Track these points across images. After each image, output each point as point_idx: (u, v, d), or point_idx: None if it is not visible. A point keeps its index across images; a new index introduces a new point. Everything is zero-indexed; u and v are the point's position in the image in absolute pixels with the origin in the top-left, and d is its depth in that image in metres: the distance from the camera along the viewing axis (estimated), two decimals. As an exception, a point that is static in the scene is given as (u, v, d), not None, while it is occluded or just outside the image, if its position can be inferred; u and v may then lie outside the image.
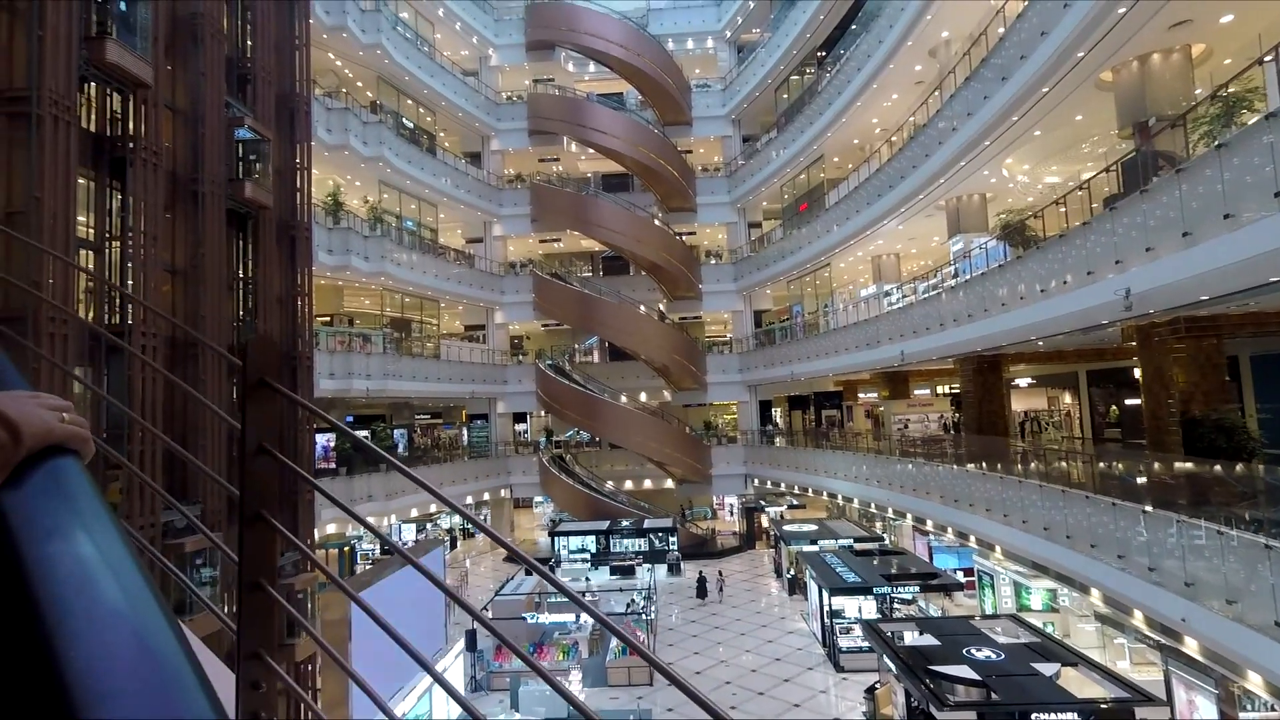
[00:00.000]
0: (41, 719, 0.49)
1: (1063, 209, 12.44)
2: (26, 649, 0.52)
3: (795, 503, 30.36)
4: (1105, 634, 13.88)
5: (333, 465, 22.74)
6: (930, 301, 16.68)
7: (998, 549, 14.61)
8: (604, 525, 26.27)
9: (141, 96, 12.73)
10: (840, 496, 24.01)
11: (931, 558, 20.61)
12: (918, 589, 16.50)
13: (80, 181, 11.69)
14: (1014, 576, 16.38)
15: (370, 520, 23.97)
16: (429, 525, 30.79)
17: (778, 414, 34.16)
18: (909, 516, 19.32)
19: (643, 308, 30.28)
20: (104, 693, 0.50)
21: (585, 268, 36.54)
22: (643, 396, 32.24)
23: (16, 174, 10.59)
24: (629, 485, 31.82)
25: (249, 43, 16.51)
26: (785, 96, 28.72)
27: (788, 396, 32.71)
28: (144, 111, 12.63)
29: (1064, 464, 14.57)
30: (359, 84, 26.16)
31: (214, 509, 14.41)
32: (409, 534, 29.60)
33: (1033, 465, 16.21)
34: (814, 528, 23.38)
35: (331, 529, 21.82)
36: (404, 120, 27.43)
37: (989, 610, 17.04)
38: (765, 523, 29.85)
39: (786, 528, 23.88)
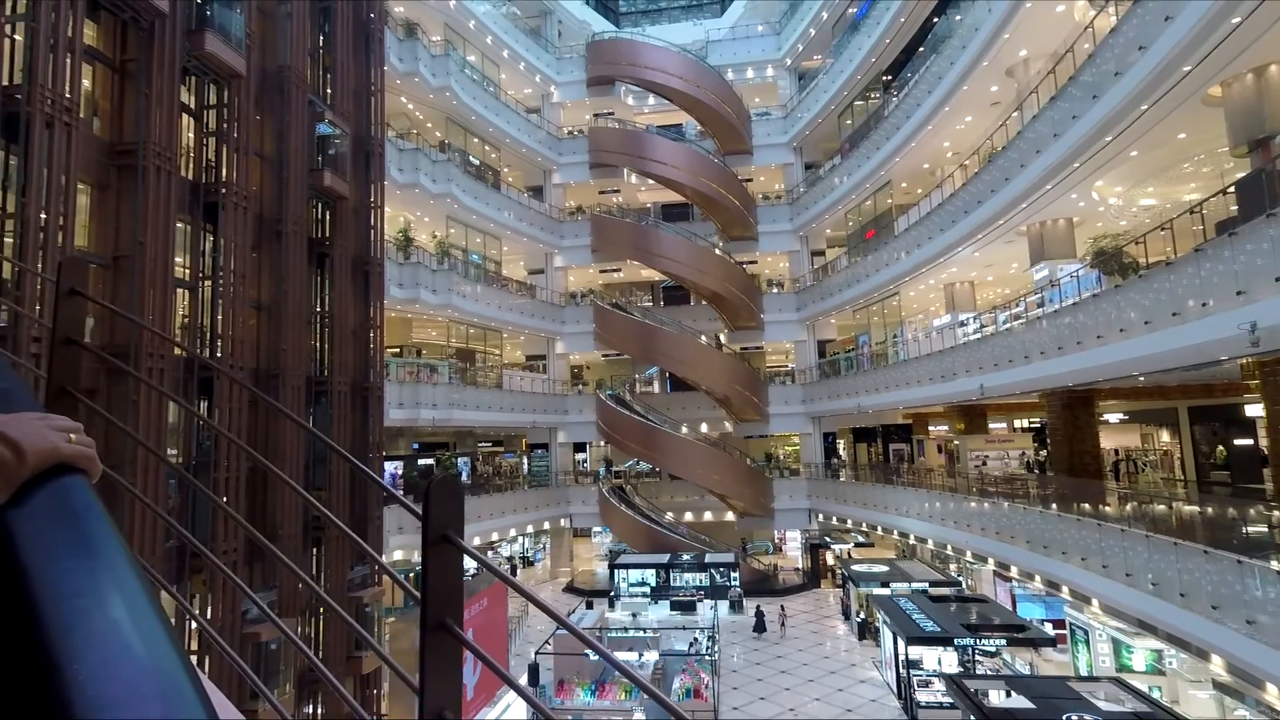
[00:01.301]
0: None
1: (1163, 233, 11.62)
2: (30, 664, 0.53)
3: (862, 540, 29.16)
4: (1224, 705, 12.53)
5: (401, 492, 23.11)
6: (1013, 332, 15.81)
7: (1095, 603, 13.49)
8: (664, 558, 25.75)
9: (234, 145, 13.43)
10: (912, 536, 22.89)
11: (1015, 606, 19.28)
12: (1004, 642, 15.37)
13: (179, 225, 12.34)
14: (1113, 633, 15.08)
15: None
16: (490, 553, 30.91)
17: (841, 446, 33.09)
18: (990, 561, 18.18)
19: (703, 338, 29.99)
20: (106, 708, 0.51)
21: (645, 297, 36.58)
22: (703, 427, 31.78)
23: (124, 220, 11.23)
24: (689, 517, 31.25)
25: (329, 90, 17.32)
26: (849, 122, 28.27)
27: (852, 428, 31.67)
28: (235, 159, 13.31)
29: (1170, 510, 13.39)
30: (428, 124, 27.12)
31: (291, 534, 14.79)
32: (469, 562, 29.70)
33: (1128, 508, 15.04)
34: (885, 568, 22.28)
35: (399, 555, 22.07)
36: (470, 158, 28.23)
37: (1083, 669, 15.73)
38: (830, 560, 28.75)
39: (855, 567, 22.84)
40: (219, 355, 13.10)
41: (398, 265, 21.98)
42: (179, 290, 12.65)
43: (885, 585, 20.57)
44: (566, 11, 34.37)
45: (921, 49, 22.35)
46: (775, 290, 32.73)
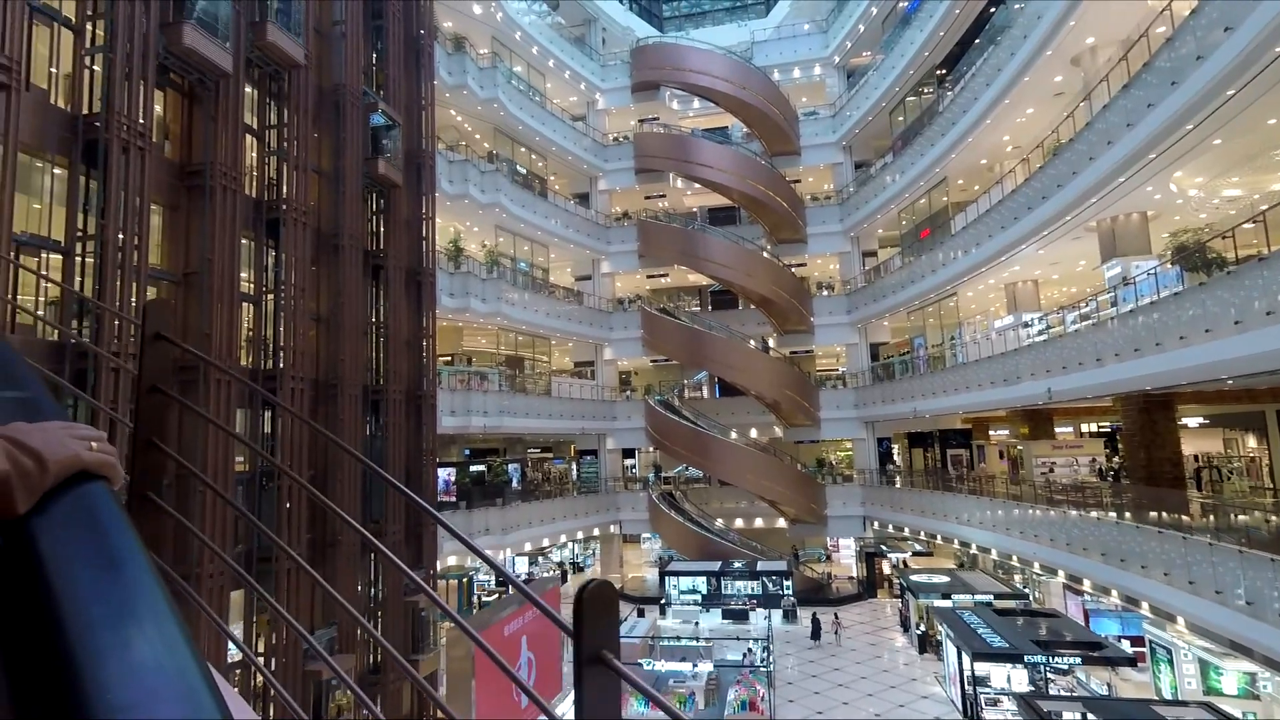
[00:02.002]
0: None
1: (1253, 225, 10.86)
2: (53, 669, 0.54)
3: (920, 549, 28.26)
4: (1329, 730, 11.61)
5: (453, 498, 23.47)
6: (1083, 334, 15.04)
7: (1180, 620, 12.68)
8: (715, 566, 25.44)
9: (294, 163, 13.82)
10: (974, 546, 22.04)
11: (1088, 622, 18.35)
12: (1078, 660, 14.59)
13: (243, 242, 12.76)
14: (1200, 653, 14.16)
15: (487, 553, 24.44)
16: (541, 559, 31.13)
17: (896, 452, 32.17)
18: (1061, 574, 17.33)
19: (752, 342, 29.60)
20: (129, 710, 0.52)
21: (693, 302, 36.36)
22: (753, 433, 31.35)
23: (194, 238, 11.66)
24: (739, 524, 30.85)
25: (381, 106, 17.70)
26: (901, 119, 27.54)
27: (907, 433, 30.76)
28: (294, 176, 13.69)
29: (1266, 523, 12.50)
30: (476, 135, 27.54)
31: (350, 541, 15.12)
32: (522, 566, 30.03)
33: (1213, 519, 14.12)
34: (946, 579, 21.50)
35: (452, 560, 22.37)
36: (518, 167, 28.55)
37: (1166, 690, 14.80)
38: (887, 569, 27.95)
39: (914, 577, 22.11)
40: (281, 367, 13.50)
41: (448, 275, 22.33)
42: (244, 304, 13.11)
43: (947, 597, 19.85)
44: (610, 19, 34.52)
45: (978, 41, 21.61)
46: (825, 293, 32.10)
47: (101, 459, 0.76)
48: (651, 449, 31.57)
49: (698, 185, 31.93)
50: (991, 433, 28.83)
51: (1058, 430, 24.20)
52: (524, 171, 29.04)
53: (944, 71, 24.56)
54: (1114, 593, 14.88)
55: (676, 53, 31.64)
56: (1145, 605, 13.82)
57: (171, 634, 0.61)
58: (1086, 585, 16.21)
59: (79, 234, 10.05)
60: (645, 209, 34.15)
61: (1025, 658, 14.28)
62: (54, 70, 10.30)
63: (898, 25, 26.56)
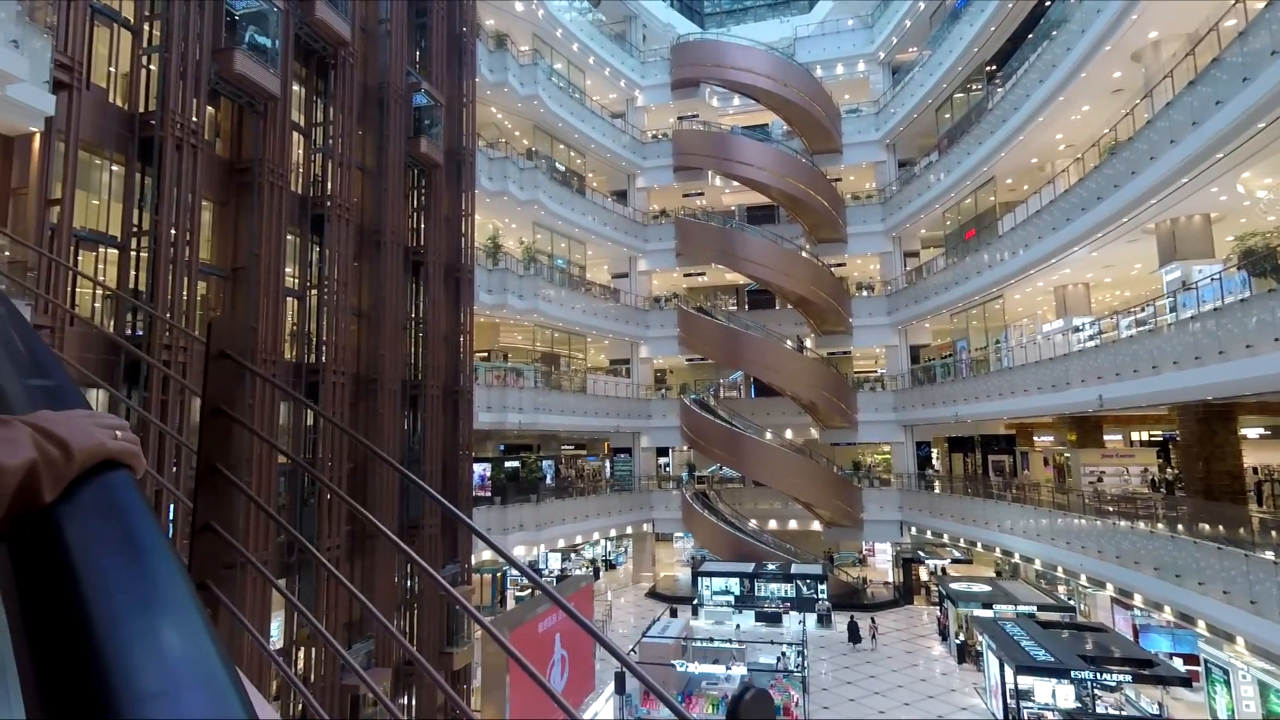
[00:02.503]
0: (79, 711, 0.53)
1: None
2: (78, 655, 0.55)
3: (959, 556, 27.58)
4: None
5: (489, 494, 23.69)
6: (1140, 340, 14.43)
7: (1240, 641, 12.10)
8: (749, 568, 25.21)
9: (338, 160, 14.03)
10: (1017, 555, 21.41)
11: (1137, 637, 17.68)
12: (1128, 678, 14.03)
13: (288, 238, 13.01)
14: (1260, 675, 13.49)
15: (520, 550, 24.63)
16: (573, 555, 31.26)
17: (934, 456, 31.45)
18: (1110, 587, 16.71)
19: (789, 342, 29.23)
20: (155, 698, 0.53)
21: (730, 301, 36.07)
22: (788, 434, 30.98)
23: (242, 234, 11.92)
24: (773, 525, 30.54)
25: (424, 86, 17.87)
26: (948, 116, 26.84)
27: (947, 438, 30.03)
28: (339, 173, 13.91)
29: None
30: (516, 132, 27.70)
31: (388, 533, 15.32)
32: (555, 562, 30.20)
33: (1275, 536, 13.43)
34: (987, 589, 20.92)
35: (487, 555, 22.59)
36: (556, 164, 28.64)
37: (1222, 713, 14.14)
38: (924, 576, 27.36)
39: (954, 585, 21.56)
40: (323, 361, 13.74)
41: (486, 271, 22.51)
42: (288, 299, 13.37)
43: (988, 606, 19.30)
44: (651, 15, 34.38)
45: (1031, 36, 20.89)
46: (865, 294, 31.51)
47: (125, 448, 0.77)
48: (686, 448, 31.43)
49: (736, 183, 31.63)
50: (1036, 438, 27.95)
51: (1107, 438, 23.32)
52: (562, 168, 29.13)
53: (994, 68, 23.84)
54: (1167, 609, 14.29)
55: (718, 49, 31.37)
56: (1202, 624, 13.23)
57: (195, 623, 0.62)
58: (1137, 600, 15.60)
59: (134, 229, 10.36)
60: (683, 207, 33.97)
61: (1072, 673, 13.79)
62: (112, 69, 10.63)
63: (946, 20, 25.87)
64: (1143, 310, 15.54)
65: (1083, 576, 17.65)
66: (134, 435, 0.80)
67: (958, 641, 20.03)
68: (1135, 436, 28.50)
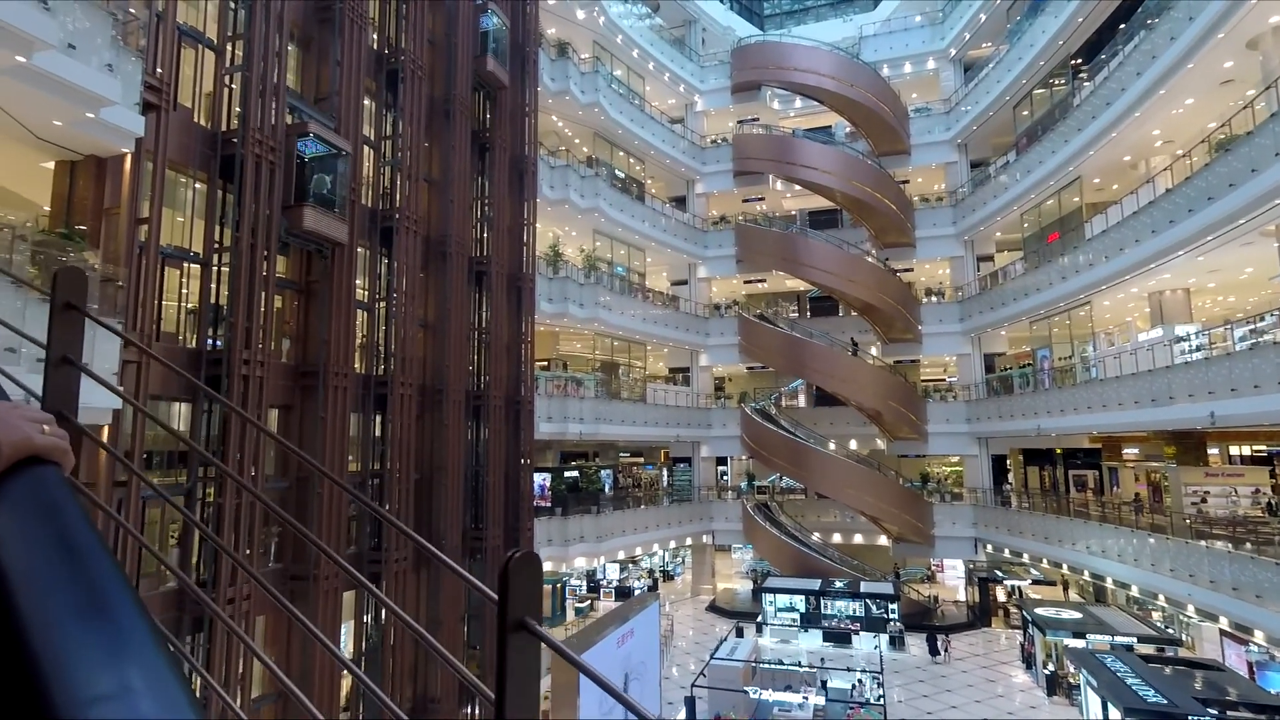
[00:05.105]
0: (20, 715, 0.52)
1: None
2: (15, 659, 0.54)
3: (1039, 577, 26.05)
4: None
5: (549, 504, 23.54)
6: (1262, 351, 13.18)
7: (1392, 690, 10.79)
8: (815, 584, 24.36)
9: (407, 173, 14.04)
10: (1110, 580, 19.97)
11: (1253, 674, 16.16)
12: (1255, 725, 12.74)
13: (358, 250, 13.06)
14: None
15: (580, 561, 24.42)
16: (631, 565, 30.90)
17: (1008, 468, 29.86)
18: (1223, 620, 15.33)
19: (852, 350, 28.25)
20: (98, 702, 0.51)
21: (791, 308, 35.21)
22: (852, 444, 29.95)
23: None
24: (837, 538, 29.55)
25: (487, 116, 17.89)
26: (1027, 114, 25.49)
27: (1022, 450, 28.47)
28: (407, 186, 13.91)
29: None
30: (576, 140, 27.63)
31: (453, 544, 15.29)
32: (613, 573, 29.91)
33: None
34: (1078, 615, 19.57)
35: (547, 566, 22.45)
36: (616, 171, 28.46)
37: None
38: (1001, 596, 25.94)
39: (1040, 610, 20.26)
40: (391, 372, 13.74)
41: (547, 280, 22.42)
42: (358, 311, 13.43)
43: (1080, 635, 18.03)
44: (710, 19, 33.93)
45: (1123, 26, 19.57)
46: (934, 300, 30.23)
47: (54, 443, 0.74)
48: (746, 457, 30.74)
49: (797, 187, 30.85)
50: (1125, 451, 26.17)
51: (1211, 452, 21.59)
52: (622, 175, 28.93)
53: (1079, 61, 22.49)
54: (1295, 650, 12.96)
55: (779, 51, 30.68)
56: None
57: (138, 625, 0.58)
58: (1259, 636, 14.23)
59: (215, 245, 10.49)
60: (743, 212, 33.35)
61: (1189, 718, 12.59)
62: (196, 89, 10.81)
63: (1026, 13, 24.57)
64: (1261, 320, 14.22)
65: (1189, 607, 16.27)
66: (62, 431, 0.76)
67: (1046, 671, 18.77)
68: (1234, 451, 26.43)
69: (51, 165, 9.02)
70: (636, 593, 27.17)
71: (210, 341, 10.50)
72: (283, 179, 11.04)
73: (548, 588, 23.63)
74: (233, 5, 10.71)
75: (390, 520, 1.28)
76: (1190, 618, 18.01)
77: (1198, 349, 16.22)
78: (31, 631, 0.54)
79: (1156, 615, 20.71)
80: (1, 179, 9.74)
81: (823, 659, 20.15)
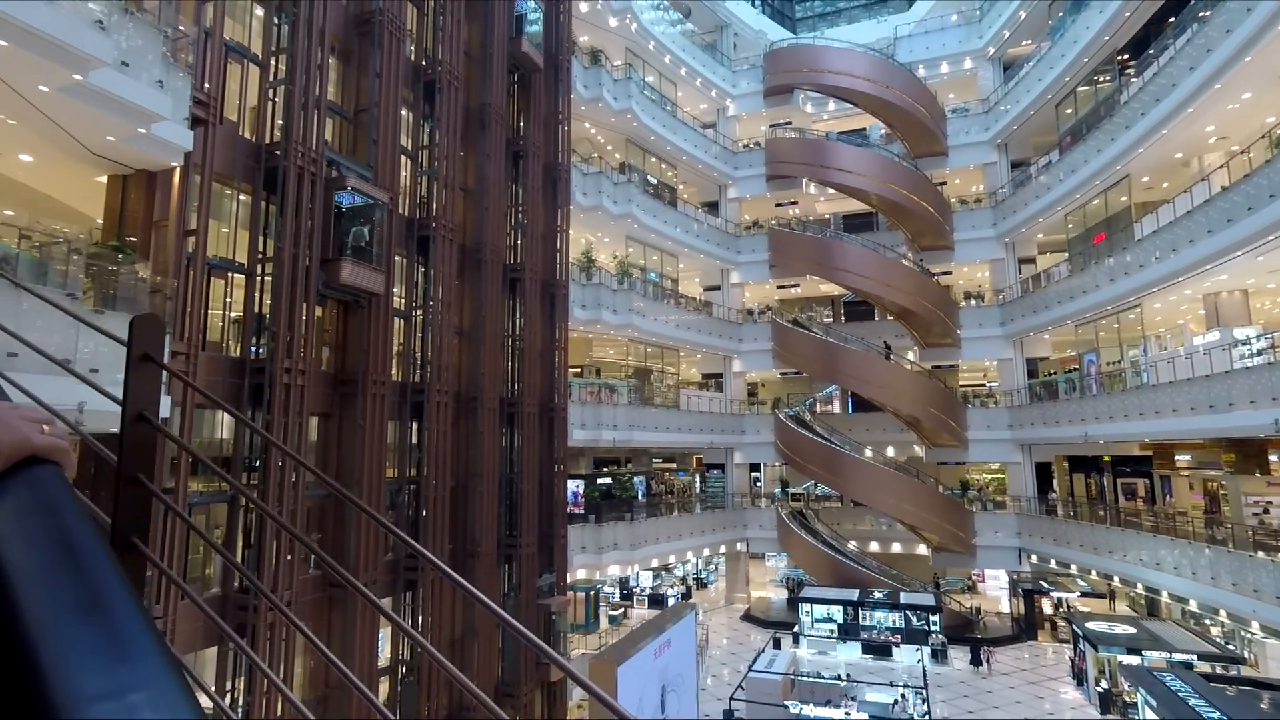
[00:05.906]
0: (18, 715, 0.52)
1: None
2: (14, 658, 0.54)
3: (1087, 588, 25.15)
4: None
5: (582, 511, 23.50)
6: (1331, 357, 12.52)
7: None
8: (853, 595, 23.87)
9: (444, 182, 14.14)
10: (1165, 593, 19.15)
11: (1324, 696, 15.29)
12: (1326, 749, 12.04)
13: (395, 259, 13.18)
14: None
15: (614, 569, 24.30)
16: (664, 573, 30.71)
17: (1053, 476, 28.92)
18: (1291, 638, 14.56)
19: (888, 355, 27.72)
20: (99, 700, 0.51)
21: (825, 313, 34.74)
22: (889, 451, 29.34)
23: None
24: (874, 547, 28.98)
25: (521, 123, 17.98)
26: (1070, 112, 24.77)
27: (1067, 457, 27.56)
28: (444, 194, 14.02)
29: None
30: (608, 146, 27.68)
31: (488, 551, 15.30)
32: (646, 580, 29.74)
33: None
34: (1132, 630, 18.82)
35: (581, 574, 22.39)
36: (648, 177, 28.42)
37: None
38: (1048, 609, 25.10)
39: (1091, 625, 19.52)
40: (428, 380, 13.83)
41: (580, 287, 22.43)
42: (396, 319, 13.56)
43: (1134, 651, 17.31)
44: (742, 23, 33.79)
45: (1173, 20, 18.91)
46: (974, 303, 29.51)
47: (53, 443, 0.73)
48: (779, 464, 30.34)
49: (831, 191, 30.46)
50: (1178, 458, 25.13)
51: (1271, 460, 20.57)
52: (654, 181, 28.89)
53: (1126, 57, 21.79)
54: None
55: (813, 54, 30.39)
56: None
57: (138, 624, 0.59)
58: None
59: (259, 256, 10.68)
60: (775, 217, 33.03)
61: (1257, 744, 11.95)
62: (240, 103, 11.05)
63: (1069, 9, 23.92)
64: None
65: (1254, 624, 15.50)
66: (61, 430, 0.76)
67: (1100, 689, 18.06)
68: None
69: (104, 179, 9.27)
70: (670, 601, 26.97)
71: (254, 350, 10.68)
72: (320, 233, 11.12)
73: (581, 595, 23.57)
74: (276, 21, 10.93)
75: (388, 526, 1.25)
76: (1253, 634, 17.16)
77: (1259, 353, 15.50)
78: (31, 631, 0.53)
79: (1215, 631, 19.80)
80: (57, 193, 10.06)
81: (860, 673, 19.70)
